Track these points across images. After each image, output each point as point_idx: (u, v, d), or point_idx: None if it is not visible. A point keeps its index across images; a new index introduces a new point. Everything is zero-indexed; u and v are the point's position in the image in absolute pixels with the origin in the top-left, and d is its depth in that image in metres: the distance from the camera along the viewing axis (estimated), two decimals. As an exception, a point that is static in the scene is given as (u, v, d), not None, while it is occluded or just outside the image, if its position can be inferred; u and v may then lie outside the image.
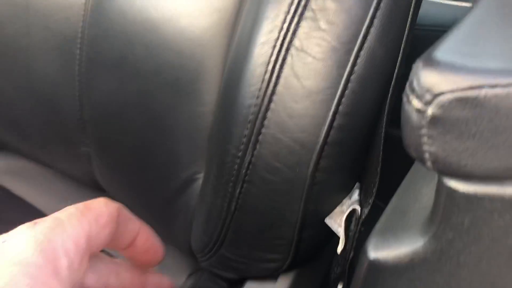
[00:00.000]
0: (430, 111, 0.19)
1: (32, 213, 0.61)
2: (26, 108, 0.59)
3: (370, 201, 0.33)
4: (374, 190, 0.33)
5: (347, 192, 0.39)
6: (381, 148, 0.33)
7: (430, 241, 0.20)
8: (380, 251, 0.22)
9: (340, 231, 0.37)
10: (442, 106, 0.18)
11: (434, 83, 0.19)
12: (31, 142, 0.63)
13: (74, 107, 0.56)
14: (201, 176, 0.48)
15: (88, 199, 0.67)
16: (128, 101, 0.50)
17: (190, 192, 0.49)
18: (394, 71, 0.34)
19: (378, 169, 0.33)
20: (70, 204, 0.66)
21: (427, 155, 0.19)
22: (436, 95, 0.19)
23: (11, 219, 0.58)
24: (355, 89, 0.34)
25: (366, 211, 0.34)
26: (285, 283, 0.46)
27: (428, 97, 0.19)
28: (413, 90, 0.19)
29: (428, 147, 0.19)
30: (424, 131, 0.19)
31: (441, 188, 0.20)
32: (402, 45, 0.34)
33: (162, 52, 0.46)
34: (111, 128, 0.53)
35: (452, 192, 0.20)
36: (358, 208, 0.35)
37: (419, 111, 0.19)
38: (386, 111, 0.34)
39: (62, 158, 0.62)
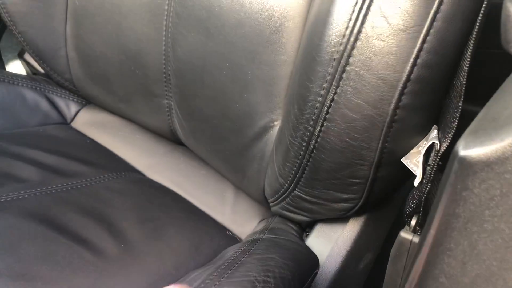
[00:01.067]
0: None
1: (115, 161, 0.67)
2: (114, 62, 0.64)
3: (450, 135, 0.35)
4: (455, 125, 0.34)
5: (425, 133, 0.41)
6: (464, 83, 0.34)
7: (523, 134, 0.22)
8: (471, 148, 0.24)
9: (416, 170, 0.39)
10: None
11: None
12: (116, 96, 0.68)
13: (159, 61, 0.60)
14: (277, 123, 0.51)
15: (166, 151, 0.72)
16: (212, 53, 0.53)
17: (265, 139, 0.52)
18: (480, 11, 0.35)
19: (460, 104, 0.34)
20: (149, 155, 0.71)
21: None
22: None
23: (97, 165, 0.63)
24: (440, 28, 0.35)
25: (445, 145, 0.35)
26: (355, 226, 0.48)
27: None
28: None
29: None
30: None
31: (537, 82, 0.21)
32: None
33: (247, 4, 0.49)
34: (193, 80, 0.57)
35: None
36: (437, 142, 0.37)
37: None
38: (470, 50, 0.35)
39: (144, 111, 0.67)
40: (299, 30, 0.47)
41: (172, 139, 0.67)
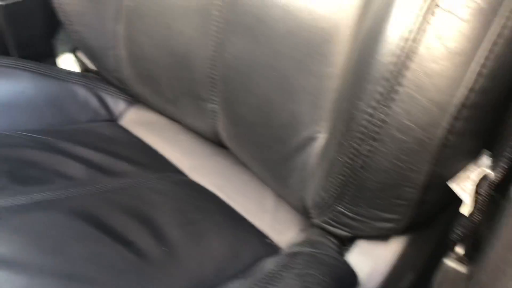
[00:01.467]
0: None
1: (159, 161, 0.68)
2: (162, 64, 0.65)
3: (505, 165, 0.33)
4: (510, 155, 0.33)
5: (475, 157, 0.39)
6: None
7: None
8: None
9: (463, 195, 0.38)
10: None
11: None
12: (163, 97, 0.69)
13: (206, 65, 0.60)
14: (321, 136, 0.50)
15: (209, 153, 0.73)
16: (259, 61, 0.53)
17: (309, 150, 0.52)
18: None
19: (518, 133, 0.33)
20: (193, 156, 0.72)
21: None
22: None
23: (143, 165, 0.64)
24: (500, 52, 0.34)
25: (498, 175, 0.34)
26: (398, 244, 0.47)
27: None
28: None
29: None
30: None
31: None
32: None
33: (298, 14, 0.48)
34: (239, 87, 0.57)
35: None
36: (490, 172, 0.35)
37: None
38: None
39: (189, 113, 0.67)
40: (349, 42, 0.46)
41: (215, 141, 0.68)
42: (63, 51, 0.78)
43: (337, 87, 0.47)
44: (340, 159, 0.44)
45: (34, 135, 0.64)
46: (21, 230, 0.47)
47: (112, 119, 0.74)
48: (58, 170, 0.58)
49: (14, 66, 0.69)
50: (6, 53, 0.72)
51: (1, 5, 0.66)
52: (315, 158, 0.51)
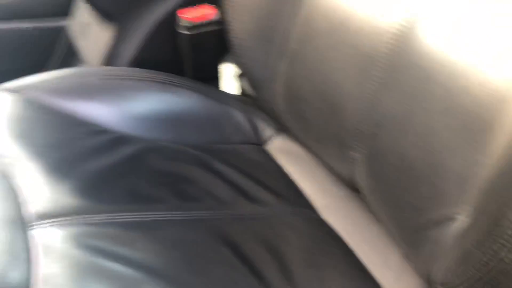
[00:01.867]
0: None
1: (296, 194, 0.72)
2: (314, 106, 0.70)
3: None
4: None
5: None
6: None
7: None
8: None
9: None
10: None
11: None
12: (309, 133, 0.73)
13: (356, 118, 0.63)
14: (461, 218, 0.50)
15: (343, 196, 0.75)
16: (411, 129, 0.54)
17: (445, 229, 0.52)
18: None
19: None
20: (327, 195, 0.75)
21: None
22: None
23: (281, 196, 0.69)
24: None
25: None
26: None
27: None
28: None
29: None
30: None
31: None
32: None
33: (458, 95, 0.49)
34: (386, 146, 0.59)
35: None
36: None
37: None
38: None
39: (330, 154, 0.71)
40: (508, 138, 0.45)
41: (349, 185, 0.71)
42: (227, 76, 0.86)
43: (489, 178, 0.47)
44: (478, 256, 0.44)
45: (193, 151, 0.73)
46: (176, 246, 0.56)
47: (259, 143, 0.81)
48: (210, 190, 0.66)
49: (185, 85, 0.79)
50: (181, 73, 0.83)
51: (190, 35, 0.77)
52: (450, 239, 0.51)
